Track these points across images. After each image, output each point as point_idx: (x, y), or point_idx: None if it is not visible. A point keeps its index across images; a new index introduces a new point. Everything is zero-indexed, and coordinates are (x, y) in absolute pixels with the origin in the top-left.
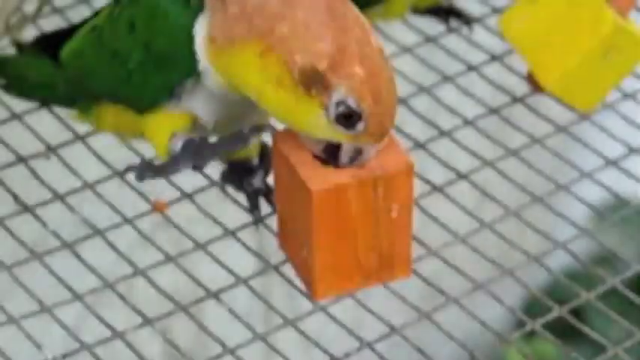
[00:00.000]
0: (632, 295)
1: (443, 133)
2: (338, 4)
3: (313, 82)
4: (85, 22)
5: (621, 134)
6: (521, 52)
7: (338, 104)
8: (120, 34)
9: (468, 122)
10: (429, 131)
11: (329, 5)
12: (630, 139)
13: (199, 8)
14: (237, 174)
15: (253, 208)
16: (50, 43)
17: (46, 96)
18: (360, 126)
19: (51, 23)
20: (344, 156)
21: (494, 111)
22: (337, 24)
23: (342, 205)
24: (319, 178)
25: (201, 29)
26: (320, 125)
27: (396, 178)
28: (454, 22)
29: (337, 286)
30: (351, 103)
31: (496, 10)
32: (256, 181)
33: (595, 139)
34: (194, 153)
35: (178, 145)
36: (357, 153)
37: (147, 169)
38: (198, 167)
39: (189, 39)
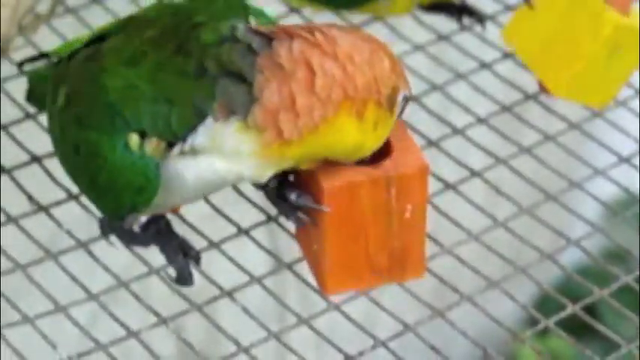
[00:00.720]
0: None
1: (456, 131)
2: (351, 29)
3: (393, 98)
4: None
5: (634, 131)
6: (527, 61)
7: (403, 99)
8: (68, 149)
9: (480, 120)
10: (442, 129)
11: (355, 34)
12: None
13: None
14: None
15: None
16: None
17: None
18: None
19: (64, 23)
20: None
21: (506, 108)
22: (372, 42)
23: (355, 203)
24: (333, 175)
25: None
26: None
27: (410, 179)
28: (466, 20)
29: (348, 283)
30: (408, 92)
31: (508, 8)
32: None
33: (608, 136)
34: (152, 233)
35: (141, 220)
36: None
37: (110, 227)
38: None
39: (129, 185)
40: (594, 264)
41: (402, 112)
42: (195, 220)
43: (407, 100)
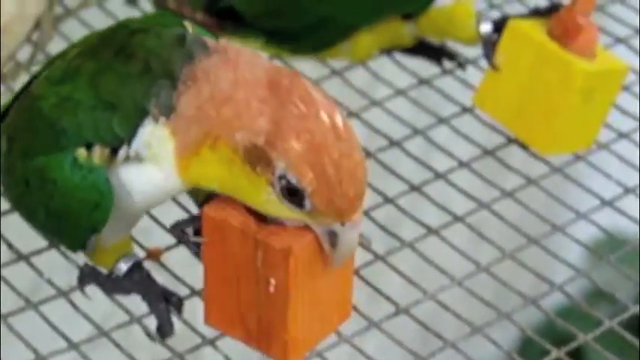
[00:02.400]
0: (629, 336)
1: (438, 175)
2: (284, 79)
3: (257, 159)
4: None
5: (617, 174)
6: (504, 123)
7: (280, 178)
8: (19, 187)
9: (462, 164)
10: (424, 173)
11: (272, 81)
12: (625, 179)
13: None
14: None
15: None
16: None
17: None
18: (307, 204)
19: None
20: (323, 242)
21: (488, 152)
22: (278, 99)
23: (227, 245)
24: (224, 209)
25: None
26: (273, 202)
27: (272, 252)
28: (447, 64)
29: (222, 324)
30: (291, 178)
31: None
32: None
33: (590, 179)
34: (134, 281)
35: (123, 269)
36: (333, 236)
37: (90, 276)
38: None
39: (84, 202)
40: (579, 305)
41: (288, 193)
42: (176, 267)
43: (297, 189)
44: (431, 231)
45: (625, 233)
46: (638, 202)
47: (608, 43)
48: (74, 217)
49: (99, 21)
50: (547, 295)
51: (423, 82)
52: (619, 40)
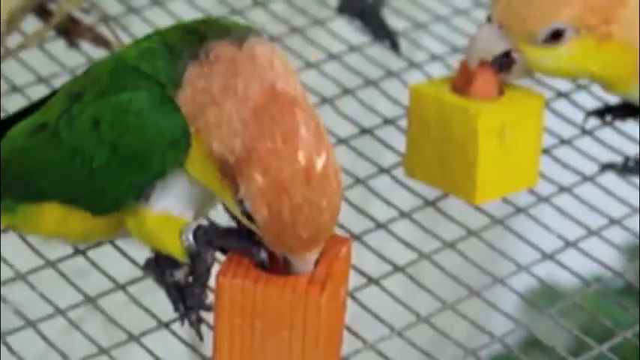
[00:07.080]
0: None
1: (379, 225)
2: (274, 108)
3: (226, 172)
4: (15, 115)
5: (556, 227)
6: (436, 185)
7: (240, 202)
8: (81, 131)
9: (403, 214)
10: (365, 223)
11: (261, 105)
12: (566, 232)
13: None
14: (161, 264)
15: (174, 302)
16: None
17: None
18: (260, 232)
19: (10, 102)
20: (281, 261)
21: (429, 203)
22: (258, 127)
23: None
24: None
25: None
26: (236, 210)
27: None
28: (390, 112)
29: None
30: (247, 207)
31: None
32: (178, 274)
33: (531, 232)
34: (208, 241)
35: (190, 237)
36: (286, 262)
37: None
38: (221, 251)
39: (164, 137)
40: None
41: (242, 213)
42: (114, 312)
43: (244, 208)
44: (371, 280)
45: (565, 286)
46: (577, 255)
47: (550, 97)
48: (146, 155)
49: (39, 62)
50: (487, 347)
51: (365, 131)
52: (560, 95)
